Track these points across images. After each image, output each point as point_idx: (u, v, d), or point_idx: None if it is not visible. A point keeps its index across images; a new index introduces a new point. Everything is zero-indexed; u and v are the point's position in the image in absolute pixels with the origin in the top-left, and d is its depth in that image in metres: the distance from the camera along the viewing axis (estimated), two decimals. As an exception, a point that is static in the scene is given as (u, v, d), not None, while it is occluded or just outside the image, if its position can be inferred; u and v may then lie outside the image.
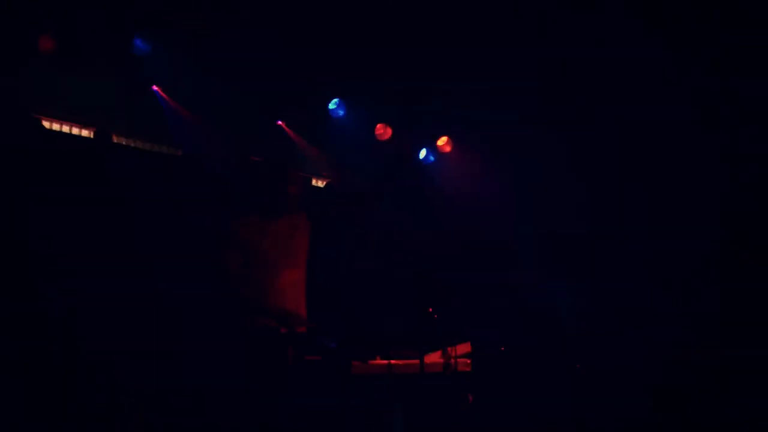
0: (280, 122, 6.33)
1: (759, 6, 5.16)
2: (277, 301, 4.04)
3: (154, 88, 5.63)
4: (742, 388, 5.33)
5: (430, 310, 4.13)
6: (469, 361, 4.10)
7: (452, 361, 3.97)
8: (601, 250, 6.46)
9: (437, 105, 6.59)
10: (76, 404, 4.13)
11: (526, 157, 6.86)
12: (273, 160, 4.39)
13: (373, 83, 6.22)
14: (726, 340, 5.57)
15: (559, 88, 6.31)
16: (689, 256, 5.93)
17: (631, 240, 6.30)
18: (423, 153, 7.04)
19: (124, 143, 5.47)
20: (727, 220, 5.80)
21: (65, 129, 5.22)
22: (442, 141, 7.01)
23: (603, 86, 6.21)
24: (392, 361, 3.84)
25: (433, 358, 3.98)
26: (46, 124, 5.11)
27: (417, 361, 3.82)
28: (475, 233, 6.96)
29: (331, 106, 6.48)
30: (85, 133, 5.33)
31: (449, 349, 3.98)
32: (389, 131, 6.73)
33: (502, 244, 7.05)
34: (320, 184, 6.57)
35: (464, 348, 4.14)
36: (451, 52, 5.87)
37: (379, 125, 6.71)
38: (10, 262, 4.21)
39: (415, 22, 5.61)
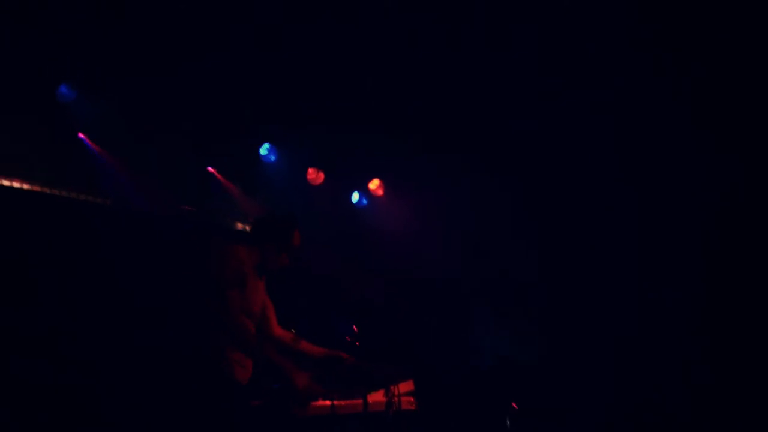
0: (210, 168, 6.26)
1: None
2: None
3: (81, 135, 5.51)
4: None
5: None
6: (413, 399, 4.08)
7: (395, 399, 3.94)
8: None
9: (369, 149, 6.62)
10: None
11: (457, 200, 6.94)
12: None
13: (304, 128, 6.24)
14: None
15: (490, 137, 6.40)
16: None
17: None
18: (356, 196, 7.05)
19: (49, 192, 5.32)
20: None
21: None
22: (374, 184, 7.04)
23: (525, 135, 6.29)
24: (335, 402, 3.78)
25: (377, 397, 3.94)
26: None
27: (360, 401, 3.77)
28: (408, 275, 6.98)
29: (262, 151, 6.46)
30: (6, 183, 5.17)
31: (392, 387, 3.95)
32: (321, 176, 6.73)
33: (434, 286, 7.10)
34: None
35: (407, 386, 4.12)
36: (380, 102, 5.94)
37: (311, 170, 6.70)
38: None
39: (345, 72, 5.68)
